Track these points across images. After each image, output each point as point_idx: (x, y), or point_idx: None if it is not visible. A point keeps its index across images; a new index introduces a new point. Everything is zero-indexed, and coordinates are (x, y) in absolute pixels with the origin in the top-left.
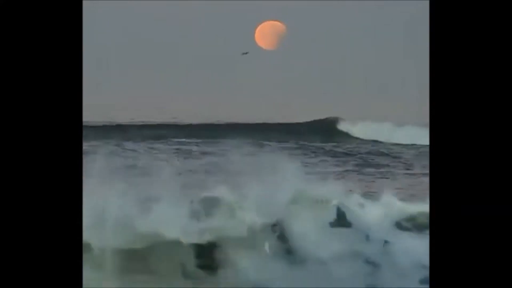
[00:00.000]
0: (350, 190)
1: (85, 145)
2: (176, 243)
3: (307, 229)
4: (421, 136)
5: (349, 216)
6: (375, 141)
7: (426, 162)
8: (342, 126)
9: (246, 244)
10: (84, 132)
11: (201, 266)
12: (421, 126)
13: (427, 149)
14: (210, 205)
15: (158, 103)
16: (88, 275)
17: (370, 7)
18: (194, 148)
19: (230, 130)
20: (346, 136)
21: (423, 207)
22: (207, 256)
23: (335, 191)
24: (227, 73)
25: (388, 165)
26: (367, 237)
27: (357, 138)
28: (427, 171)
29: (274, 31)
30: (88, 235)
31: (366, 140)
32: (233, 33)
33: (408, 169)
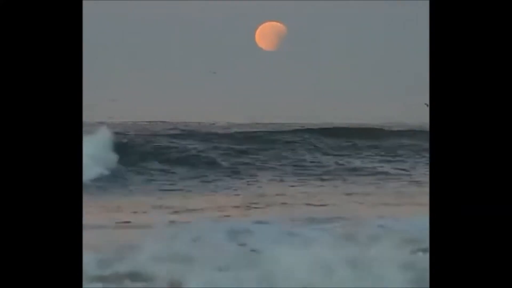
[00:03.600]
0: None
1: None
2: None
3: None
4: None
5: None
6: None
7: None
8: None
9: None
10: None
11: None
12: None
13: None
14: None
15: (156, 103)
16: None
17: (370, 8)
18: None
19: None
20: None
21: None
22: None
23: None
24: (227, 74)
25: None
26: None
27: None
28: None
29: (274, 32)
30: None
31: None
32: (233, 33)
33: None
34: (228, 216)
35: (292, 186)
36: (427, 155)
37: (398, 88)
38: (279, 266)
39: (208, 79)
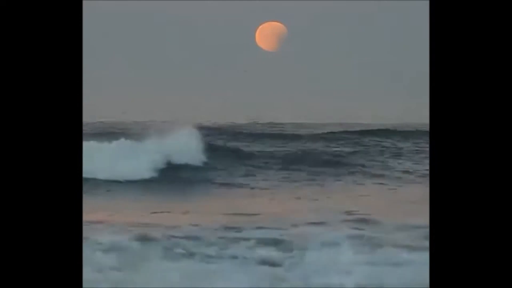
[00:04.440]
0: None
1: None
2: None
3: None
4: None
5: None
6: None
7: None
8: None
9: None
10: None
11: None
12: None
13: None
14: None
15: (157, 104)
16: None
17: (370, 8)
18: None
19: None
20: None
21: None
22: None
23: None
24: (227, 74)
25: None
26: None
27: None
28: None
29: (274, 32)
30: None
31: None
32: (233, 34)
33: None
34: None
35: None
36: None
37: (398, 88)
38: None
39: (208, 79)
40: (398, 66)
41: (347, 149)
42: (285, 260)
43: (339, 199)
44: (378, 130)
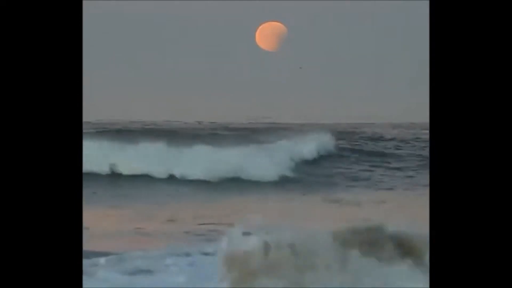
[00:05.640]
0: None
1: None
2: None
3: None
4: None
5: None
6: None
7: None
8: None
9: None
10: None
11: None
12: None
13: None
14: None
15: (157, 103)
16: None
17: (371, 8)
18: None
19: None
20: None
21: None
22: None
23: None
24: (227, 74)
25: None
26: None
27: None
28: None
29: (274, 32)
30: None
31: None
32: (233, 34)
33: None
34: None
35: None
36: None
37: (397, 88)
38: None
39: (208, 79)
40: (398, 66)
41: None
42: None
43: None
44: None
